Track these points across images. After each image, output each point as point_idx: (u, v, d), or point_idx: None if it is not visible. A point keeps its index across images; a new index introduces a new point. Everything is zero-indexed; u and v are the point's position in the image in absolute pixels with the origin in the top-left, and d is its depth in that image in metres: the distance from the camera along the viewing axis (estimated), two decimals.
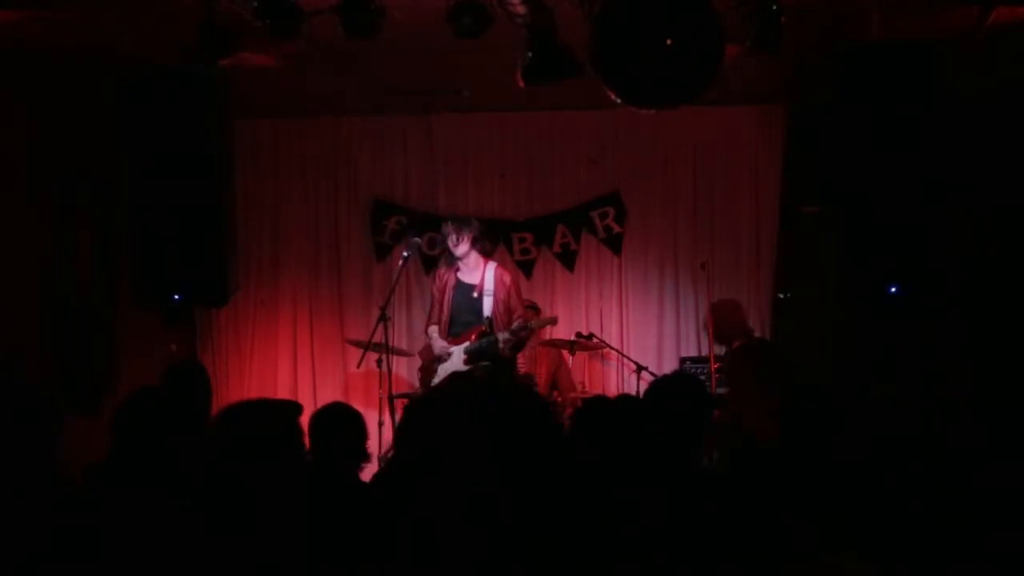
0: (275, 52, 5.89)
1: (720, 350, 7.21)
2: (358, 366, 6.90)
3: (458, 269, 6.86)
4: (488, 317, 6.69)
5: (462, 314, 6.82)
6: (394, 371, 6.77)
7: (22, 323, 6.21)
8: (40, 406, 3.19)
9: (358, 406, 7.79)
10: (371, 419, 7.29)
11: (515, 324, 6.71)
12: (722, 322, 7.14)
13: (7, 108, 6.14)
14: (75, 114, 6.60)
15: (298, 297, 8.01)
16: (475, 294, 6.79)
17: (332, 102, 7.57)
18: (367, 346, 6.65)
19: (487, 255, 6.97)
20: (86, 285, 6.84)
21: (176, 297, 6.62)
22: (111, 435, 3.42)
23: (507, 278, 6.88)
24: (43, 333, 6.41)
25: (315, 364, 7.97)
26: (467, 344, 6.71)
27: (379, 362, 6.69)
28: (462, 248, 6.76)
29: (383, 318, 6.55)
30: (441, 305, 6.88)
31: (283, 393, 7.62)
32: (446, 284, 6.88)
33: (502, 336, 6.63)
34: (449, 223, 6.90)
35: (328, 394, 7.80)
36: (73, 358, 6.60)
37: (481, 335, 6.68)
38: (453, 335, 6.82)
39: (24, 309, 6.26)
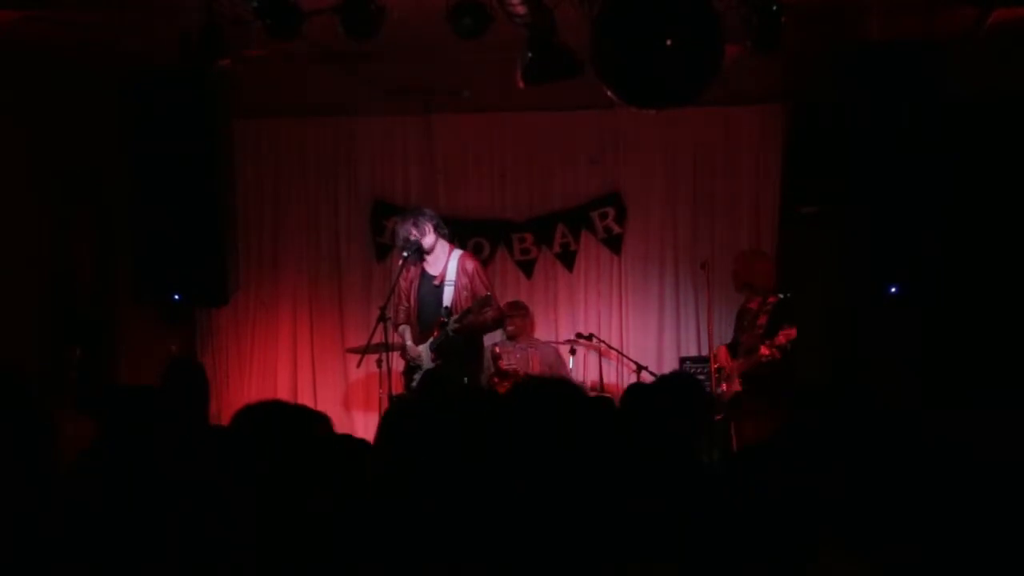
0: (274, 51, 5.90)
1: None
2: (358, 366, 6.90)
3: (424, 262, 6.70)
4: (446, 307, 6.52)
5: (428, 307, 6.65)
6: (394, 371, 6.75)
7: (22, 323, 6.21)
8: (37, 405, 3.19)
9: (359, 406, 7.88)
10: (371, 419, 7.35)
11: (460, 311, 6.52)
12: (757, 272, 6.83)
13: (7, 108, 6.14)
14: (75, 114, 6.60)
15: (298, 297, 8.01)
16: (436, 283, 6.63)
17: (332, 102, 7.57)
18: (366, 348, 6.65)
19: (452, 242, 6.78)
20: (86, 285, 6.85)
21: (176, 297, 6.63)
22: (106, 431, 3.43)
23: (470, 264, 6.69)
24: (43, 333, 6.42)
25: (315, 364, 7.97)
26: (432, 340, 6.59)
27: (379, 362, 6.68)
28: (429, 238, 6.59)
29: (383, 318, 6.54)
30: (409, 300, 6.71)
31: (283, 393, 7.61)
32: (412, 278, 6.71)
33: (451, 326, 6.46)
34: (405, 219, 6.67)
35: (328, 394, 7.81)
36: (73, 358, 6.60)
37: (441, 327, 6.52)
38: (422, 330, 6.68)
39: (24, 309, 6.27)
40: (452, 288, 6.59)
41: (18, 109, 6.23)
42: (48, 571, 2.77)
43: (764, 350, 6.41)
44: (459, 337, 6.52)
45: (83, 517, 2.93)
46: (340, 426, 4.04)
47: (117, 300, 7.02)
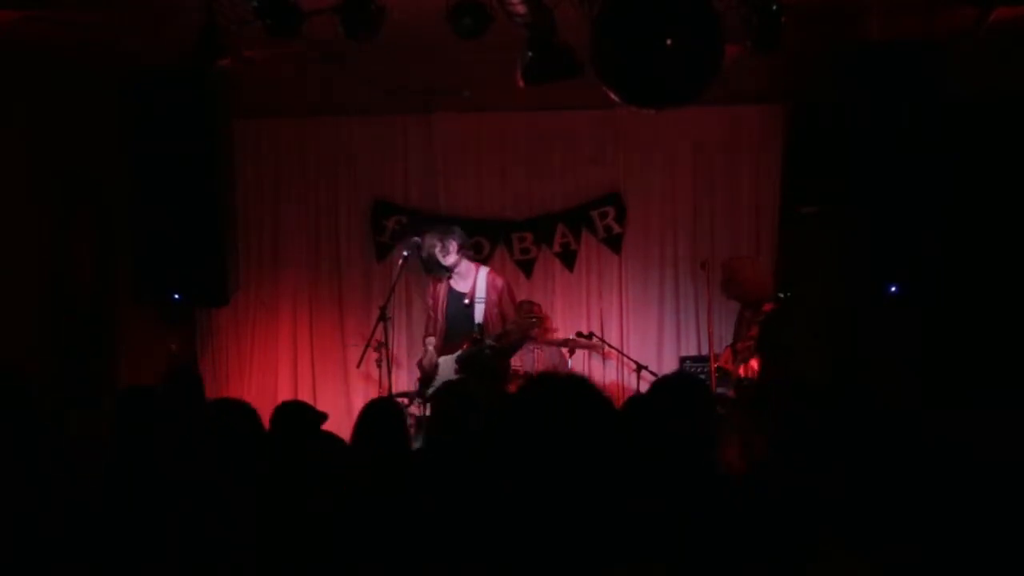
0: (274, 52, 5.89)
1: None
2: (358, 366, 6.90)
3: (450, 278, 6.71)
4: (479, 324, 6.55)
5: (456, 323, 6.66)
6: (394, 371, 6.76)
7: (22, 323, 6.21)
8: (37, 405, 3.19)
9: (359, 406, 7.85)
10: None
11: (498, 331, 6.56)
12: (745, 280, 6.73)
13: (7, 108, 6.14)
14: (75, 114, 6.60)
15: (298, 297, 8.01)
16: (466, 301, 6.64)
17: (332, 102, 7.57)
18: (367, 346, 6.65)
19: (477, 260, 6.83)
20: (86, 285, 6.85)
21: (176, 297, 6.63)
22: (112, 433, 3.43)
23: (499, 282, 6.72)
24: (43, 333, 6.41)
25: (315, 364, 7.97)
26: (459, 353, 6.59)
27: (379, 362, 6.68)
28: (451, 258, 6.59)
29: (383, 318, 6.54)
30: (436, 316, 6.75)
31: (284, 394, 7.62)
32: (439, 295, 6.74)
33: (488, 342, 6.51)
34: (433, 233, 6.70)
35: (328, 394, 7.80)
36: (73, 358, 6.60)
37: (473, 343, 6.55)
38: (449, 345, 6.69)
39: (24, 309, 6.27)
40: (483, 306, 6.61)
41: (18, 109, 6.23)
42: (48, 571, 2.77)
43: (741, 371, 6.45)
44: (480, 354, 6.53)
45: (83, 517, 2.93)
46: (340, 425, 4.06)
47: (117, 300, 7.01)
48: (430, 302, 6.83)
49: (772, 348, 6.37)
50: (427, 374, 6.67)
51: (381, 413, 3.98)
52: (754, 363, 6.47)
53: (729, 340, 7.10)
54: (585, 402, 2.98)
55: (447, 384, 5.67)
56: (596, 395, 2.99)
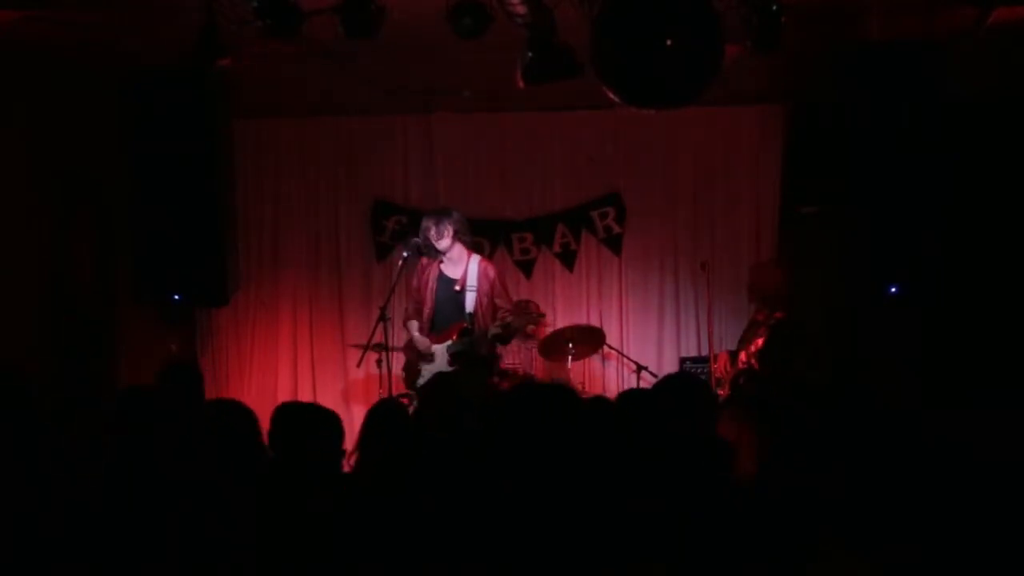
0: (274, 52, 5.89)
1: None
2: (358, 366, 6.89)
3: (441, 262, 6.63)
4: (470, 313, 6.51)
5: (444, 309, 6.60)
6: (394, 371, 6.75)
7: (22, 323, 6.21)
8: (37, 405, 3.19)
9: (358, 406, 7.88)
10: None
11: (498, 321, 6.51)
12: (762, 285, 6.90)
13: (7, 108, 6.14)
14: (75, 114, 6.60)
15: (298, 297, 8.00)
16: (457, 288, 6.58)
17: (332, 102, 7.57)
18: (367, 346, 6.64)
19: (472, 248, 6.77)
20: (86, 285, 6.85)
21: (176, 297, 6.63)
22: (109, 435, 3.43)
23: (491, 271, 6.66)
24: (43, 333, 6.41)
25: (315, 364, 7.97)
26: (449, 343, 6.55)
27: (379, 362, 6.68)
28: (444, 241, 6.52)
29: (383, 318, 6.53)
30: (422, 299, 6.66)
31: (284, 394, 7.62)
32: (428, 277, 6.64)
33: (491, 332, 6.47)
34: (429, 216, 6.66)
35: (328, 394, 7.80)
36: (73, 358, 6.60)
37: (462, 332, 6.50)
38: (434, 331, 6.64)
39: (24, 309, 6.27)
40: (474, 294, 6.56)
41: (18, 109, 6.23)
42: (48, 571, 2.77)
43: (743, 356, 6.46)
44: (480, 344, 6.50)
45: (83, 517, 2.93)
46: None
47: (117, 300, 7.01)
48: (414, 283, 6.73)
49: (779, 353, 6.38)
50: (419, 360, 6.63)
51: (389, 414, 3.99)
52: (743, 356, 6.48)
53: (728, 340, 7.10)
54: (579, 405, 2.98)
55: (438, 378, 5.68)
56: (583, 402, 2.99)
